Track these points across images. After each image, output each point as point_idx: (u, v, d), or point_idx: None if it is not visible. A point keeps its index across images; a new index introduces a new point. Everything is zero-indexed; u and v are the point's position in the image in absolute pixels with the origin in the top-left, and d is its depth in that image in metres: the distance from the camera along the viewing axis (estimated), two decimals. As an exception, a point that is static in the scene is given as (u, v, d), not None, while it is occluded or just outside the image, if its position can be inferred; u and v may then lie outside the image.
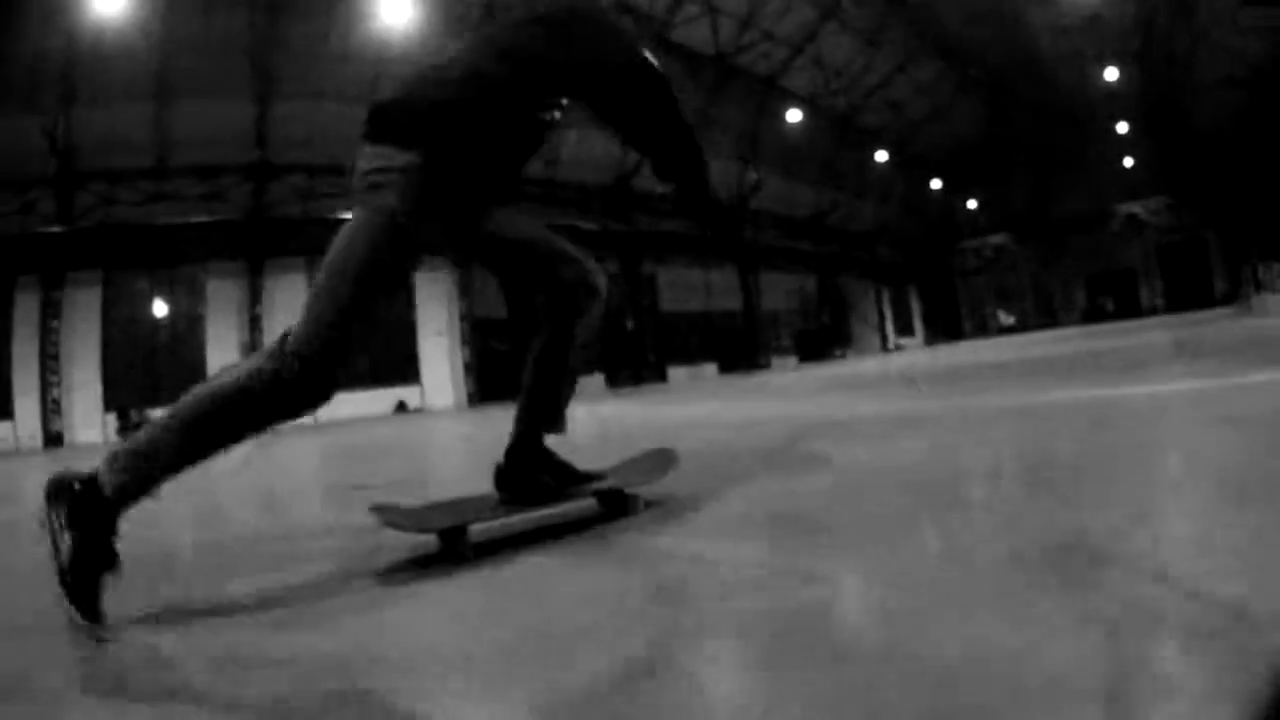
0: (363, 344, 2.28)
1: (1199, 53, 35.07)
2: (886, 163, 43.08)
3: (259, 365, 2.13)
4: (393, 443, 10.07)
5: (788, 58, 34.73)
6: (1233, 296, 33.68)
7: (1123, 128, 45.09)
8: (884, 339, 47.76)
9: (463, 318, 28.19)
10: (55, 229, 23.47)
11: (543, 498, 2.60)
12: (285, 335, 2.16)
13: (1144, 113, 44.01)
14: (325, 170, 26.58)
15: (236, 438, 2.16)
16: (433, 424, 14.74)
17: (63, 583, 1.95)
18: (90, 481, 2.05)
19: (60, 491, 2.05)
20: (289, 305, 25.77)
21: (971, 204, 52.47)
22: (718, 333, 36.00)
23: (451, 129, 2.27)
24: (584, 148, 29.28)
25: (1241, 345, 8.44)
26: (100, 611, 1.95)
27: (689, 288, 35.19)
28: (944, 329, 52.49)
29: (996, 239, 53.84)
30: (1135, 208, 48.93)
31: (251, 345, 24.93)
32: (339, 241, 2.21)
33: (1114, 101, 42.79)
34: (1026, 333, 43.42)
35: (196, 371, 24.07)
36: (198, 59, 23.86)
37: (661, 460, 2.96)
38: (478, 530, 2.45)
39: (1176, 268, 48.32)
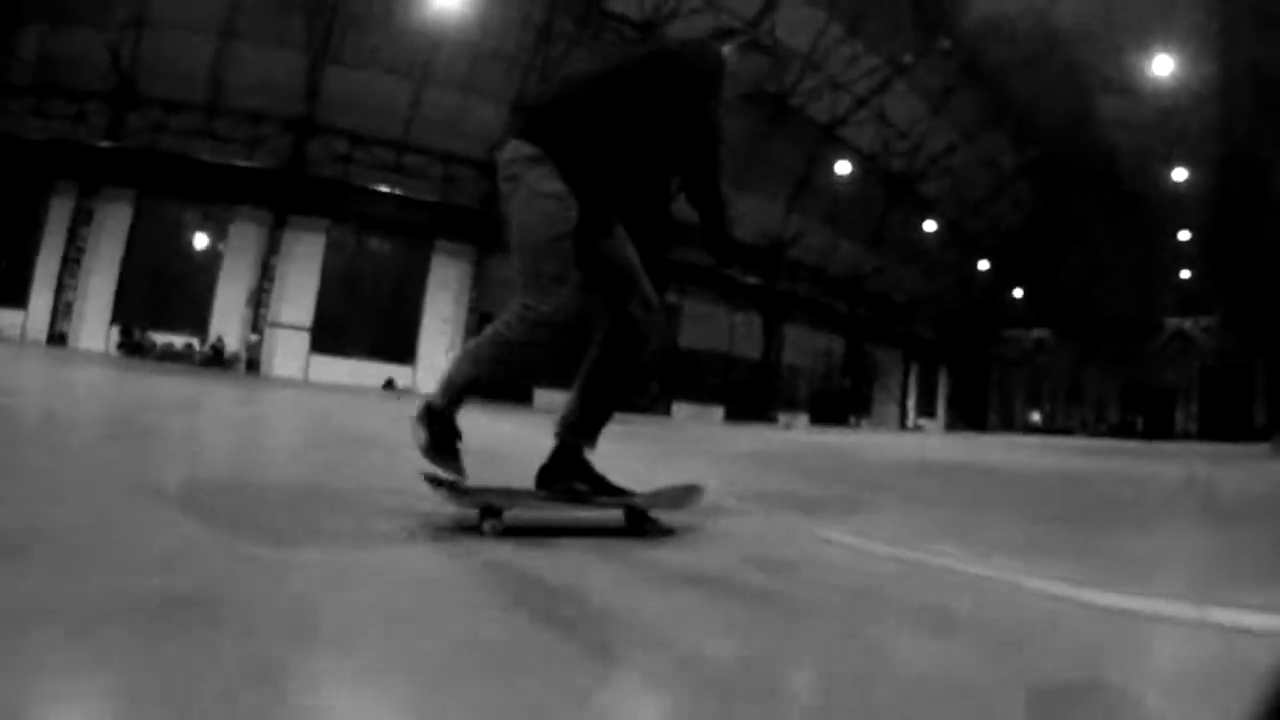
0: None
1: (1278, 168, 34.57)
2: (936, 235, 42.39)
3: (514, 325, 2.88)
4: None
5: (850, 109, 34.50)
6: (1271, 432, 32.93)
7: (1184, 235, 44.40)
8: (903, 415, 47.02)
9: (470, 309, 27.98)
10: (103, 143, 24.52)
11: (574, 500, 3.08)
12: (526, 307, 2.85)
13: (1211, 224, 43.34)
14: (364, 139, 27.02)
15: (513, 375, 3.02)
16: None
17: (428, 456, 2.89)
18: (430, 404, 2.93)
19: (419, 411, 2.93)
20: (304, 258, 26.69)
21: (1018, 293, 51.71)
22: (733, 377, 35.45)
23: (564, 130, 2.97)
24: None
25: (1262, 511, 6.18)
26: (461, 469, 2.90)
27: (712, 327, 34.62)
28: (968, 416, 51.80)
29: (1038, 333, 53.21)
30: (1185, 323, 48.36)
31: (260, 291, 25.91)
32: (515, 229, 2.94)
33: (1180, 208, 42.21)
34: (1049, 435, 42.89)
35: (204, 304, 25.96)
36: (263, 4, 24.78)
37: (687, 494, 3.33)
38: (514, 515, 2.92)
39: (1217, 393, 47.34)
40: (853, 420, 39.43)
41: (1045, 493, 6.75)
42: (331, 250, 27.24)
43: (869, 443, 16.79)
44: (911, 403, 48.07)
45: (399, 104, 27.34)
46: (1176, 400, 49.30)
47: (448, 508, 2.94)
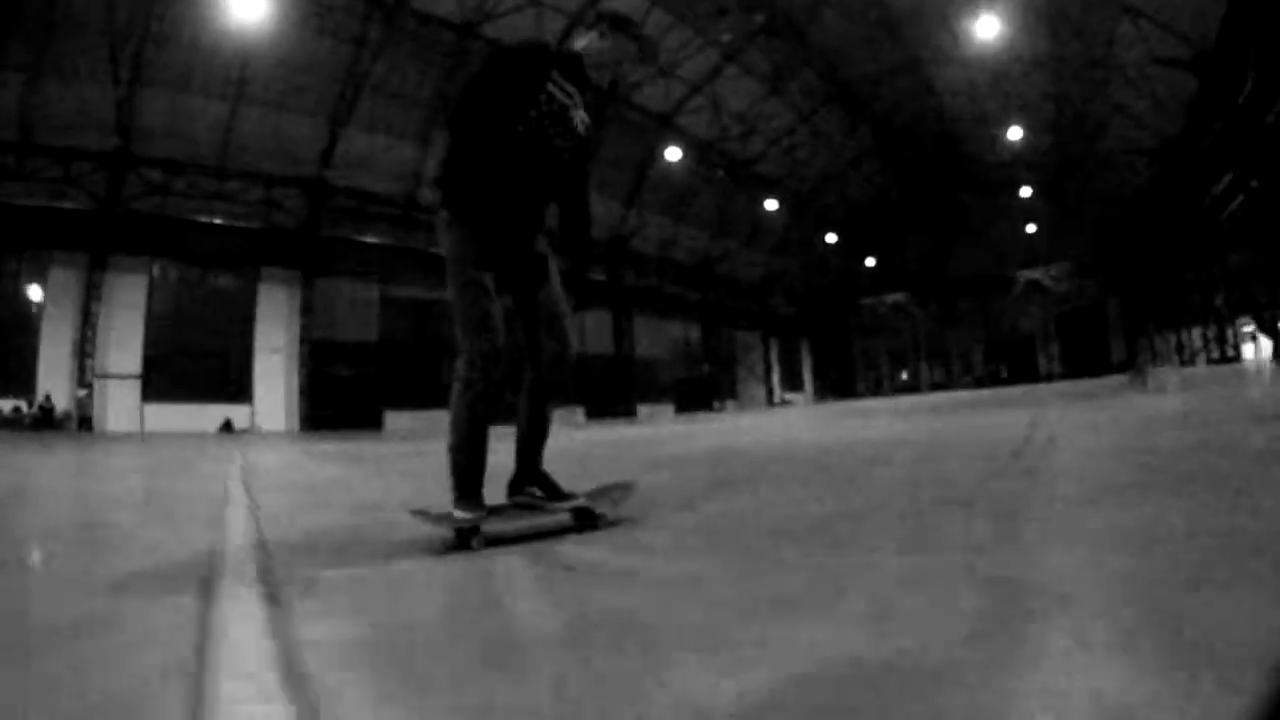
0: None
1: (1111, 122, 36.37)
2: (783, 214, 43.39)
3: (464, 375, 3.28)
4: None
5: (684, 96, 35.04)
6: (1129, 364, 34.61)
7: (1026, 192, 46.68)
8: (770, 392, 48.37)
9: (301, 338, 27.43)
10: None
11: (531, 507, 3.50)
12: (462, 354, 3.28)
13: (1051, 179, 45.66)
14: (182, 166, 26.21)
15: (481, 423, 3.34)
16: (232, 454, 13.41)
17: (454, 503, 3.25)
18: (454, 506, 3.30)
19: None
20: (127, 301, 25.37)
21: (870, 261, 53.63)
22: (589, 376, 35.52)
23: (452, 184, 3.35)
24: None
25: (1113, 476, 3.94)
26: (483, 504, 3.29)
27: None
28: (836, 385, 53.45)
29: (895, 297, 55.14)
30: (1036, 274, 50.81)
31: (83, 341, 24.56)
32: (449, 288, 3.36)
33: (1020, 165, 44.29)
34: (914, 394, 44.48)
35: (29, 361, 24.26)
36: (66, 35, 23.52)
37: (623, 491, 3.87)
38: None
39: (1075, 334, 50.52)
40: (717, 404, 40.21)
41: (830, 489, 4.52)
42: (155, 290, 26.23)
43: (701, 430, 15.82)
44: (776, 379, 49.26)
45: (215, 127, 26.66)
46: (1037, 346, 52.04)
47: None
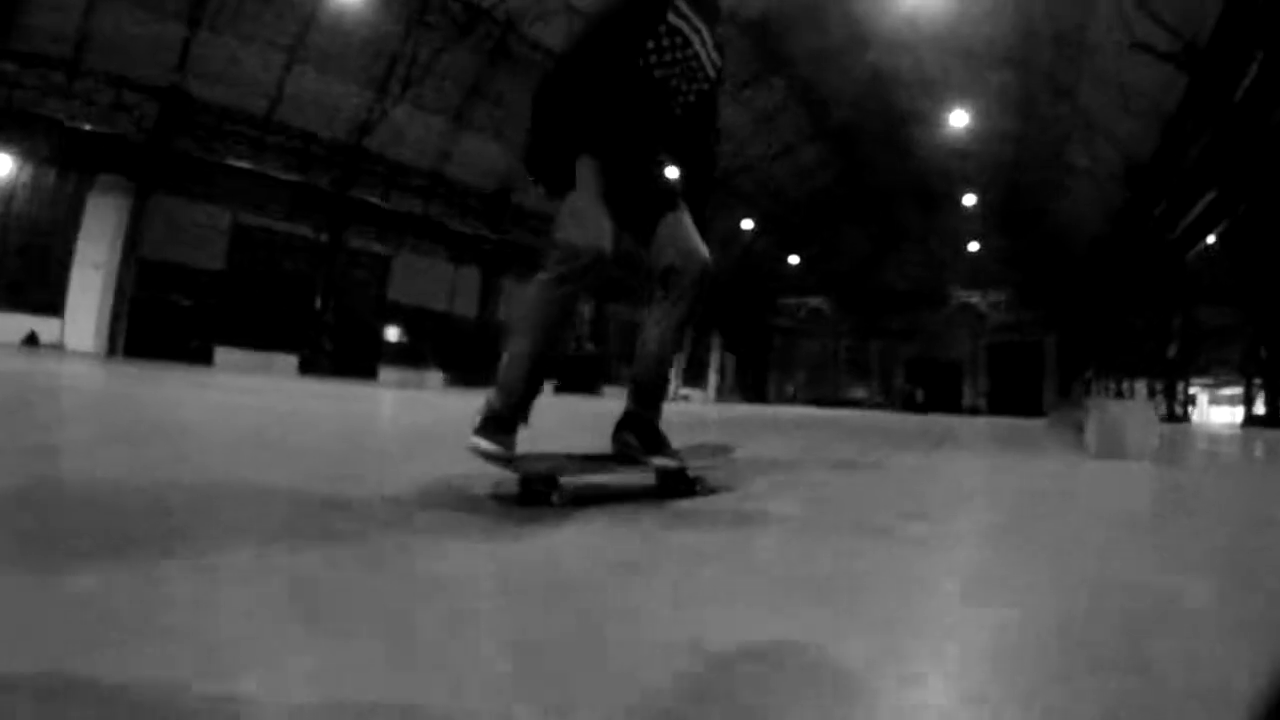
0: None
1: (1074, 135, 36.19)
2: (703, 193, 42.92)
3: (548, 268, 3.05)
4: None
5: (586, 40, 34.43)
6: (1064, 399, 33.84)
7: (970, 200, 46.41)
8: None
9: (125, 257, 26.74)
10: None
11: (623, 459, 3.30)
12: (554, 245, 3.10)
13: (1002, 199, 45.85)
14: (36, 59, 25.68)
15: (548, 328, 3.08)
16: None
17: (477, 430, 2.95)
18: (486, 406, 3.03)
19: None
20: None
21: (794, 259, 53.73)
22: (455, 339, 35.40)
23: (540, 176, 3.24)
24: (321, 93, 29.63)
25: None
26: (514, 450, 2.98)
27: (431, 281, 34.90)
28: (747, 386, 53.88)
29: (816, 301, 55.64)
30: (974, 297, 51.32)
31: None
32: None
33: (970, 169, 44.15)
34: (820, 407, 44.90)
35: None
36: None
37: (722, 455, 3.92)
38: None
39: (1007, 368, 51.00)
40: (600, 388, 40.34)
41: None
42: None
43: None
44: (675, 370, 49.04)
45: (72, 20, 26.39)
46: (964, 374, 52.52)
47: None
